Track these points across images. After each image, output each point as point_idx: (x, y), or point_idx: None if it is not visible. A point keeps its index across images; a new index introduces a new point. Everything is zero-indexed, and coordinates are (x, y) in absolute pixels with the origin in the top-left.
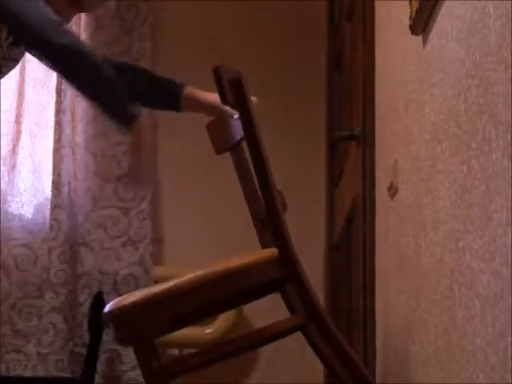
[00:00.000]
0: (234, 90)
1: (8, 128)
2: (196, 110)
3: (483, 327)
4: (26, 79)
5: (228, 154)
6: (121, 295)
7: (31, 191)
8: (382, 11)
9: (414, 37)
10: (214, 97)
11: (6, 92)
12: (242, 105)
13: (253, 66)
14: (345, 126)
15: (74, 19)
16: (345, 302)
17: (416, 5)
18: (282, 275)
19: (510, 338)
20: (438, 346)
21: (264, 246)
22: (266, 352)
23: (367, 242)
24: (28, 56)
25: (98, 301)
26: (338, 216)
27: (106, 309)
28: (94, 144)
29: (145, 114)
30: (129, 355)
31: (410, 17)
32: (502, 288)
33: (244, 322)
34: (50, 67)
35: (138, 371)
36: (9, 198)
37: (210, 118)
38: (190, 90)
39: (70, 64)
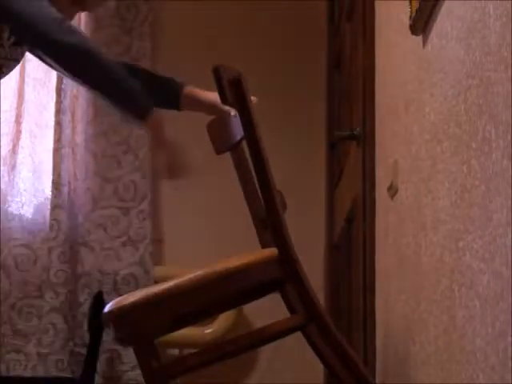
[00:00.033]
0: (234, 90)
1: (8, 128)
2: (196, 109)
3: (483, 327)
4: (26, 79)
5: (228, 154)
6: (121, 295)
7: (31, 191)
8: (382, 11)
9: (413, 37)
10: (213, 96)
11: (5, 92)
12: (242, 105)
13: (253, 65)
14: (345, 126)
15: (74, 19)
16: (345, 302)
17: (416, 5)
18: (281, 275)
19: (509, 338)
20: (437, 346)
21: (264, 245)
22: (266, 352)
23: (367, 242)
24: (28, 56)
25: (98, 301)
26: (337, 216)
27: (106, 309)
28: (94, 144)
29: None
30: (129, 355)
31: (410, 17)
32: (502, 288)
33: (244, 322)
34: (53, 67)
35: (138, 371)
36: (9, 198)
37: (210, 118)
38: (190, 89)
39: (79, 63)
